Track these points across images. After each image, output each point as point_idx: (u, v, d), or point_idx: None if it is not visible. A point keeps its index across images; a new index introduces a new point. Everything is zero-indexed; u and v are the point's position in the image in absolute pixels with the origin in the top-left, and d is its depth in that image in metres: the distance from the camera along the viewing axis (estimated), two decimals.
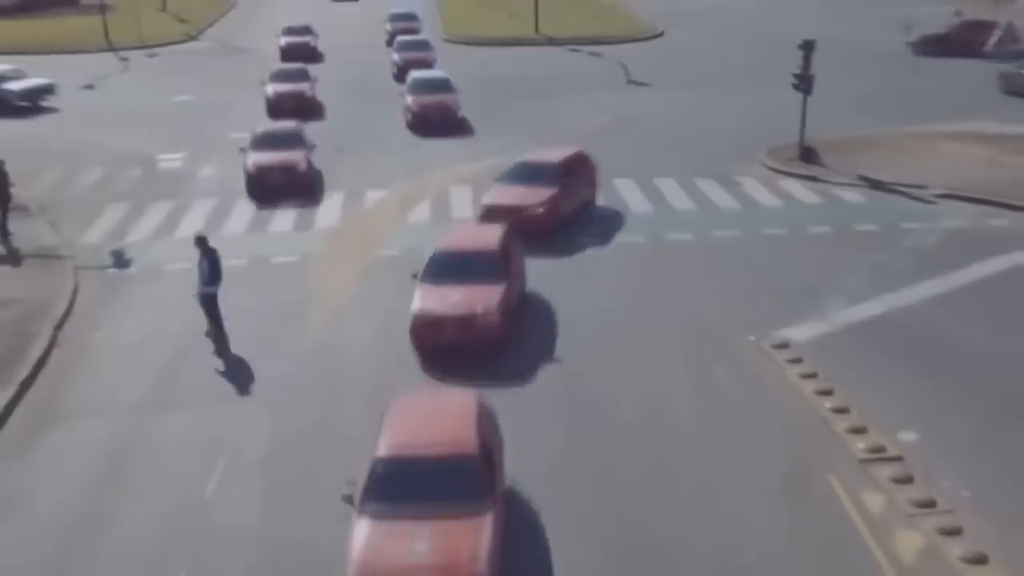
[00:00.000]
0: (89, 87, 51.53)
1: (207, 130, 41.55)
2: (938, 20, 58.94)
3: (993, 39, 54.92)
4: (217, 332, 22.02)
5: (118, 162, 36.70)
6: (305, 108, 42.93)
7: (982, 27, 56.26)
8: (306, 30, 60.24)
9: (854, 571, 14.83)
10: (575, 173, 29.92)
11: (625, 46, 61.66)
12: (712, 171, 34.54)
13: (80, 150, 38.42)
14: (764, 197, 32.20)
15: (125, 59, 59.50)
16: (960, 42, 54.12)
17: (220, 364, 21.60)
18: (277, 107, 43.12)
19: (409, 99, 41.60)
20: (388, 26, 63.73)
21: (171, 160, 37.31)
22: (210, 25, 73.41)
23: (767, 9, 72.62)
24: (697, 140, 38.93)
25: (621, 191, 32.58)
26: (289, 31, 59.82)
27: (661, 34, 66.34)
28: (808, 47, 34.75)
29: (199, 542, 15.69)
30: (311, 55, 56.72)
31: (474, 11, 74.82)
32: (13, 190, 29.72)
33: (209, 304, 22.03)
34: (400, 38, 55.10)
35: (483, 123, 38.92)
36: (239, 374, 21.05)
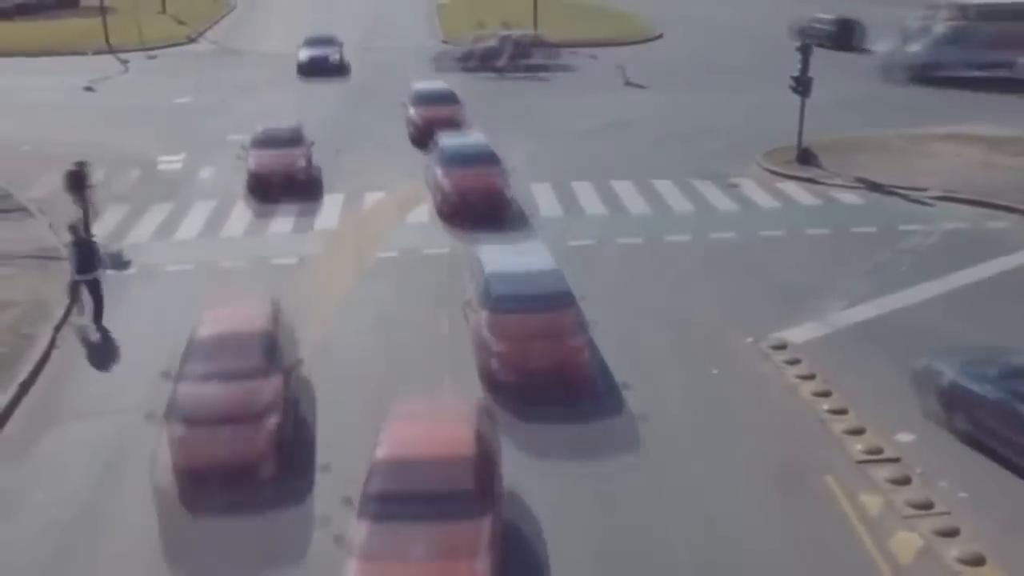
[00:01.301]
0: (89, 89, 51.52)
1: (206, 132, 41.54)
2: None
3: (505, 54, 55.03)
4: (97, 313, 23.47)
5: (118, 164, 36.67)
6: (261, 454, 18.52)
7: (504, 42, 56.02)
8: (293, 138, 34.45)
9: (852, 572, 14.89)
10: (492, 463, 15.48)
11: (623, 48, 61.66)
12: (710, 173, 34.60)
13: (80, 152, 38.28)
14: (762, 199, 32.27)
15: (125, 61, 59.47)
16: (483, 56, 54.78)
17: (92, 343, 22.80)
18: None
19: (484, 323, 20.42)
20: (412, 113, 39.72)
21: (171, 162, 37.33)
22: (209, 27, 73.38)
23: (761, 13, 72.56)
24: (694, 142, 39.00)
25: (619, 193, 32.66)
26: (266, 140, 34.09)
27: (660, 36, 66.36)
28: (806, 50, 34.83)
29: (196, 544, 15.73)
30: (299, 184, 33.03)
31: (471, 13, 74.73)
32: (92, 192, 29.87)
33: (93, 289, 23.45)
34: (445, 144, 32.24)
35: (482, 124, 38.72)
36: None
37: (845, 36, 59.39)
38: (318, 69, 53.41)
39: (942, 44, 49.62)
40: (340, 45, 56.56)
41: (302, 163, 33.37)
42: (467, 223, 28.68)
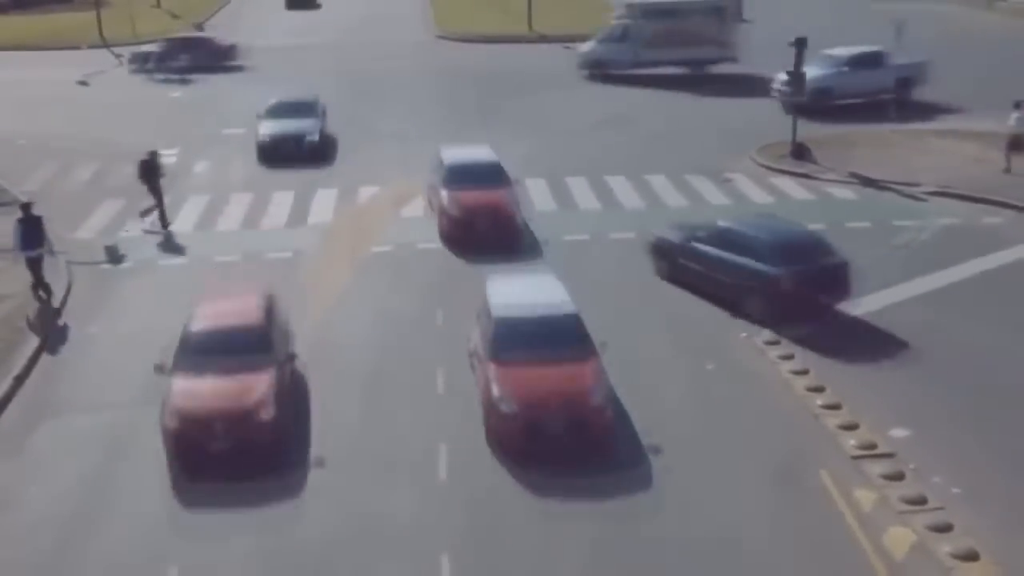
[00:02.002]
0: (83, 83, 51.43)
1: (201, 126, 41.49)
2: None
3: (153, 57, 54.72)
4: (43, 289, 24.20)
5: (112, 158, 36.62)
6: None
7: (169, 44, 55.93)
8: (255, 346, 18.35)
9: (845, 567, 14.91)
10: None
11: None
12: (703, 168, 34.60)
13: (74, 146, 38.37)
14: (756, 194, 32.28)
15: (119, 55, 59.35)
16: (143, 59, 54.75)
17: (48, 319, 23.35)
18: None
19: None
20: (445, 198, 27.74)
21: (165, 156, 37.21)
22: (203, 22, 73.25)
23: (758, 9, 72.57)
24: (688, 137, 39.01)
25: (613, 188, 32.67)
26: (205, 359, 18.09)
27: None
28: (800, 44, 34.84)
29: (192, 537, 15.74)
30: (260, 446, 17.32)
31: (467, 7, 74.74)
32: (164, 181, 30.40)
33: (33, 266, 24.11)
34: (495, 292, 19.87)
35: (479, 119, 38.72)
36: None
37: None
38: (288, 152, 35.40)
39: (610, 42, 50.57)
40: (322, 114, 38.12)
41: (267, 414, 17.36)
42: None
